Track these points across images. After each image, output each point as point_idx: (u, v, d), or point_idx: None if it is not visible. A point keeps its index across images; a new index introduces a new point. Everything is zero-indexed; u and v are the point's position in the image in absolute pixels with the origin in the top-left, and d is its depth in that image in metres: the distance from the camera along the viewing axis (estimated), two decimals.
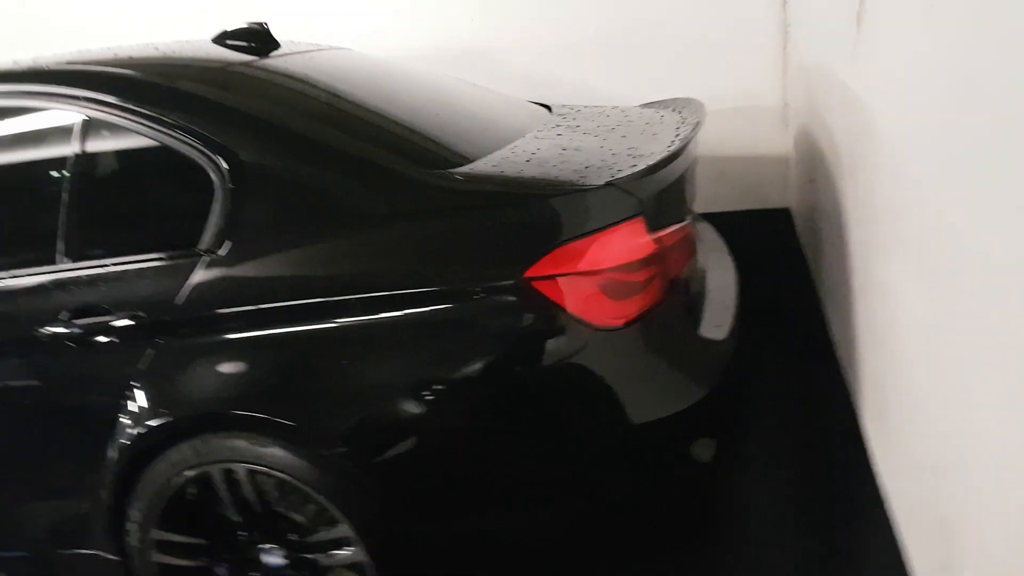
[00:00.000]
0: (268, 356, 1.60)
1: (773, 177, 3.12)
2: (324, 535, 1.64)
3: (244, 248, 1.63)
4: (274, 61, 2.02)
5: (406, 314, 1.54)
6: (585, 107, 2.33)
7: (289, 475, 1.58)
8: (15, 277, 1.76)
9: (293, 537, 1.69)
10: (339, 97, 1.95)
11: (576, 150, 1.80)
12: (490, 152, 1.77)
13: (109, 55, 1.95)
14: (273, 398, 1.59)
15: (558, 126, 2.05)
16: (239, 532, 1.72)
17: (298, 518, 1.68)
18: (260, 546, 1.71)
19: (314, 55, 2.17)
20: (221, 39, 2.15)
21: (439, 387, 1.56)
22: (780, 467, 2.00)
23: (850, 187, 2.13)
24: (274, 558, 1.71)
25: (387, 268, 1.58)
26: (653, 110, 2.25)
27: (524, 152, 1.78)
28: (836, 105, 2.25)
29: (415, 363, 1.56)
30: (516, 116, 2.16)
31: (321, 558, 1.67)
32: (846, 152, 2.16)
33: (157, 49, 2.05)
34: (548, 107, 2.33)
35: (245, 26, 2.16)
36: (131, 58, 1.92)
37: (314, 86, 1.96)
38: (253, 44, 2.11)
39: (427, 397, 1.56)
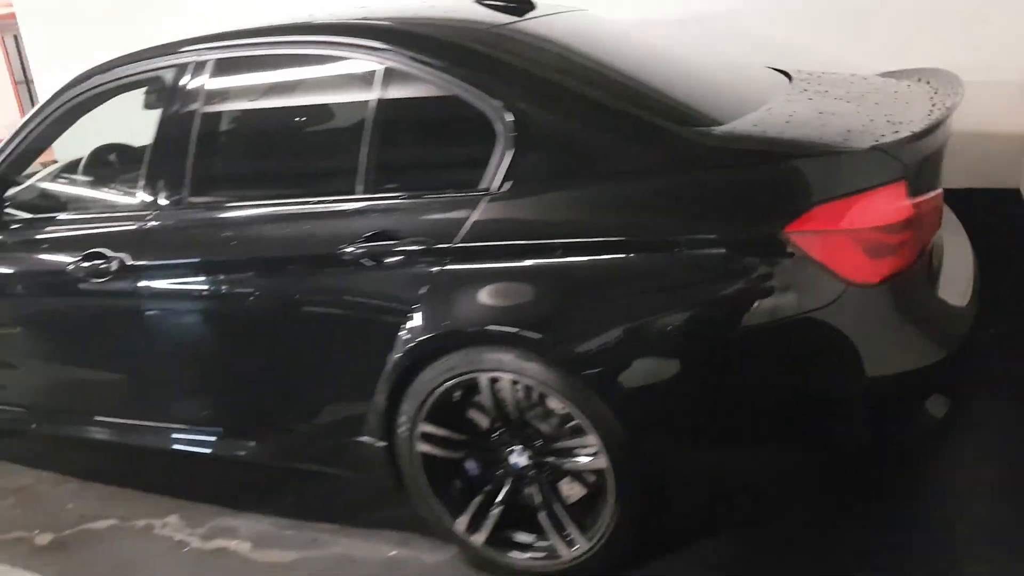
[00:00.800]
0: (532, 284, 1.81)
1: (1006, 155, 2.99)
2: (570, 442, 1.87)
3: (520, 190, 1.85)
4: (536, 22, 2.22)
5: (665, 257, 1.71)
6: (826, 73, 2.37)
7: (547, 387, 1.81)
8: (322, 203, 2.08)
9: (539, 443, 1.94)
10: (596, 57, 2.12)
11: (833, 114, 1.88)
12: (741, 114, 1.88)
13: (398, 12, 2.22)
14: (535, 320, 1.80)
15: (806, 91, 2.13)
16: (493, 433, 1.99)
17: (544, 427, 1.93)
18: (509, 447, 1.97)
19: (562, 16, 2.35)
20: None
21: (690, 325, 1.71)
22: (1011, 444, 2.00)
23: None
24: (520, 459, 1.97)
25: (650, 215, 1.75)
26: (896, 80, 2.26)
27: (781, 114, 1.88)
28: None
29: (671, 302, 1.72)
30: (757, 80, 2.25)
31: (564, 462, 1.90)
32: None
33: (434, 8, 2.31)
34: (786, 72, 2.39)
35: None
36: (422, 16, 2.18)
37: (574, 46, 2.14)
38: (512, 4, 2.33)
39: (677, 334, 1.72)
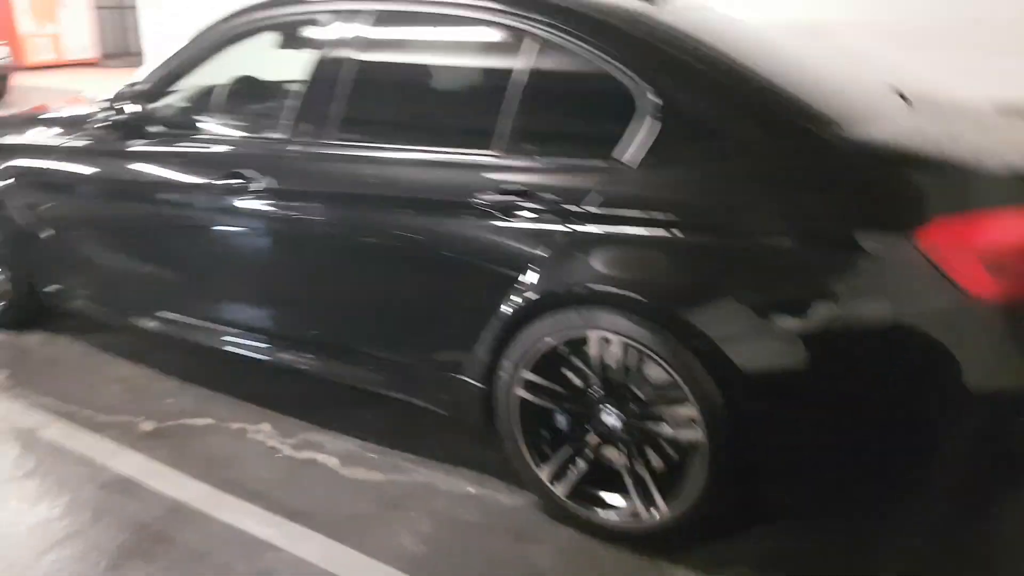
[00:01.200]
0: (656, 254, 1.92)
1: None
2: (668, 410, 1.97)
3: (651, 164, 1.96)
4: (672, 12, 2.31)
5: (789, 246, 1.81)
6: (940, 98, 2.44)
7: (655, 354, 1.91)
8: (461, 154, 2.21)
9: (635, 407, 2.05)
10: (729, 49, 2.17)
11: (961, 136, 1.96)
12: (867, 123, 1.95)
13: None
14: (654, 288, 1.91)
15: (928, 112, 2.20)
16: (589, 391, 2.10)
17: (643, 393, 2.03)
18: (605, 407, 2.08)
19: (691, 8, 2.43)
20: None
21: (804, 315, 1.79)
22: None
23: None
24: (612, 419, 2.08)
25: (780, 204, 1.84)
26: (1008, 113, 2.32)
27: (911, 128, 1.98)
28: None
29: (790, 290, 1.81)
30: (877, 95, 2.31)
31: (658, 429, 2.01)
32: None
33: None
34: (901, 93, 2.44)
35: None
36: None
37: (707, 36, 2.20)
38: None
39: (790, 321, 1.80)
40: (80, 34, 14.42)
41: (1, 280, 3.28)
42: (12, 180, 3.12)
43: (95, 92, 3.35)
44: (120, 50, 14.56)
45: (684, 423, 1.95)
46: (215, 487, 2.34)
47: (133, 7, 15.04)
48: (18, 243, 3.16)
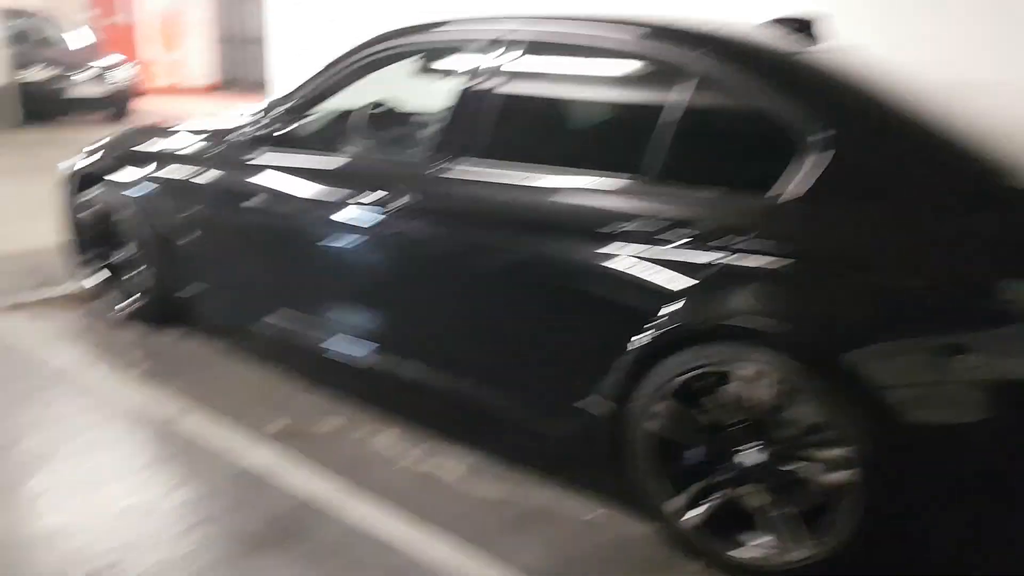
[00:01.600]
0: (818, 292, 1.90)
1: None
2: (819, 451, 1.93)
3: (815, 201, 1.95)
4: (829, 51, 2.33)
5: (958, 295, 1.79)
6: None
7: (810, 393, 1.88)
8: (611, 181, 2.24)
9: (778, 446, 2.00)
10: (892, 90, 2.17)
11: None
12: None
13: (712, 25, 2.35)
14: (815, 327, 1.89)
15: None
16: (727, 426, 2.07)
17: (789, 431, 1.98)
18: (746, 443, 2.04)
19: (848, 50, 2.44)
20: (772, 24, 2.53)
21: (969, 361, 1.75)
22: None
23: None
24: (751, 457, 2.04)
25: (947, 251, 1.82)
26: None
27: None
28: None
29: (948, 334, 1.78)
30: None
31: (807, 469, 1.95)
32: None
33: (739, 26, 2.44)
34: None
35: (792, 16, 2.53)
36: (737, 32, 2.32)
37: (868, 76, 2.22)
38: (798, 32, 2.45)
39: (952, 366, 1.76)
40: (201, 62, 15.43)
41: (145, 276, 3.49)
42: (157, 186, 3.32)
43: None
44: (238, 78, 15.46)
45: (832, 464, 1.90)
46: (343, 487, 2.40)
47: (252, 41, 16.01)
48: (157, 246, 3.34)
